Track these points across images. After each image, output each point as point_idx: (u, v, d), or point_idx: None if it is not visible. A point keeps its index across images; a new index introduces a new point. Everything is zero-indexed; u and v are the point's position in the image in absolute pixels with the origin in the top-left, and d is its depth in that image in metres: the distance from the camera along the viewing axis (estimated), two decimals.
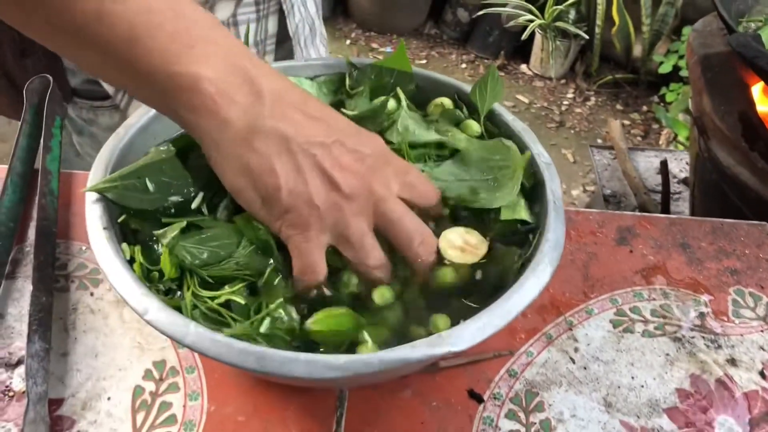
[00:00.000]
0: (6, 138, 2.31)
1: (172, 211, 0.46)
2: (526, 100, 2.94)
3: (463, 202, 0.49)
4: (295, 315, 0.43)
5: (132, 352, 0.53)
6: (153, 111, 0.51)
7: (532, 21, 2.81)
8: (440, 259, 0.46)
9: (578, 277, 0.62)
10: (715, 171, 0.95)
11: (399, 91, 0.56)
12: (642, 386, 0.54)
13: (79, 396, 0.50)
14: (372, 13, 3.30)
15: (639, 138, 2.76)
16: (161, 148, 0.48)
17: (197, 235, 0.44)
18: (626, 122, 2.85)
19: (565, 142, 2.71)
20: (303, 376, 0.37)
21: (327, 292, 0.45)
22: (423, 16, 3.39)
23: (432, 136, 0.53)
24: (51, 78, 0.68)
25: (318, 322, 0.42)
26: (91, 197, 0.44)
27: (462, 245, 0.46)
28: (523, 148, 0.52)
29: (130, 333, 0.54)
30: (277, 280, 0.45)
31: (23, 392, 0.49)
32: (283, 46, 0.83)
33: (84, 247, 0.60)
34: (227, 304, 0.43)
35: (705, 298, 0.62)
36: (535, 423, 0.51)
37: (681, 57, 2.71)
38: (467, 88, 0.57)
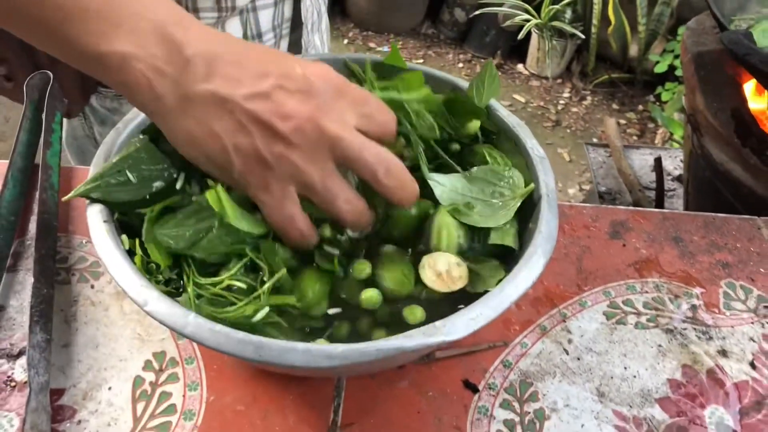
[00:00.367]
0: (5, 137, 2.31)
1: (158, 197, 0.47)
2: (523, 100, 2.95)
3: (455, 213, 0.49)
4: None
5: (132, 344, 0.54)
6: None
7: (528, 21, 2.82)
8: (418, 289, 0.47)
9: (572, 270, 0.63)
10: (708, 167, 0.96)
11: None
12: (634, 377, 0.55)
13: (80, 386, 0.51)
14: (370, 13, 3.31)
15: (635, 137, 2.77)
16: (134, 139, 0.49)
17: (173, 219, 0.45)
18: (622, 121, 2.86)
19: (561, 141, 2.72)
20: (301, 364, 0.38)
21: (328, 249, 0.47)
22: (420, 15, 3.40)
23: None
24: (51, 74, 0.68)
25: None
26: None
27: (443, 273, 0.46)
28: (519, 144, 0.53)
29: (130, 324, 0.55)
30: (272, 248, 0.45)
31: (25, 382, 0.50)
32: (295, 31, 0.84)
33: (84, 241, 0.61)
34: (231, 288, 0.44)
35: (697, 290, 0.63)
36: (530, 412, 0.52)
37: (677, 56, 2.72)
38: (464, 84, 0.57)
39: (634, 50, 2.86)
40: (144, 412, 0.49)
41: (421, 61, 3.18)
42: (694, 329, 0.59)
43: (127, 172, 0.46)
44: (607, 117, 2.58)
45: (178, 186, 0.48)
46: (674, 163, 1.37)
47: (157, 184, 0.47)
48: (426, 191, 0.49)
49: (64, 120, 0.85)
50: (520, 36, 2.87)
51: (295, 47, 0.83)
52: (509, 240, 0.48)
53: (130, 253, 0.43)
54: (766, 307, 0.62)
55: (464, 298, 0.45)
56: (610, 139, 1.42)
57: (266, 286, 0.43)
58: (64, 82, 0.75)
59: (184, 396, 0.50)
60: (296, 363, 0.38)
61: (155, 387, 0.51)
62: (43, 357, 0.50)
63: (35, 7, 0.40)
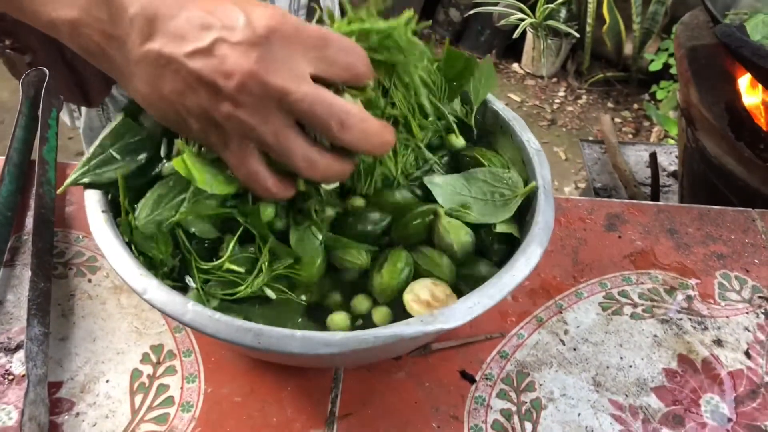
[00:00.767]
0: (1, 137, 2.31)
1: (148, 167, 0.47)
2: (518, 99, 2.95)
3: (452, 210, 0.49)
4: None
5: (130, 337, 0.54)
6: None
7: (523, 20, 2.82)
8: (403, 312, 0.45)
9: (568, 262, 0.64)
10: (702, 161, 0.96)
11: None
12: (630, 366, 0.55)
13: (77, 379, 0.51)
14: None
15: (630, 135, 2.78)
16: (112, 120, 0.49)
17: (151, 199, 0.45)
18: (617, 120, 2.87)
19: (557, 140, 2.73)
20: (299, 352, 0.38)
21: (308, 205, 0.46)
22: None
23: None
24: (47, 71, 0.68)
25: None
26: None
27: (429, 299, 0.45)
28: (515, 138, 0.54)
29: (127, 318, 0.55)
30: (256, 213, 0.45)
31: (23, 375, 0.50)
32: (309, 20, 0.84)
33: (81, 236, 0.61)
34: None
35: (692, 281, 0.63)
36: (526, 402, 0.52)
37: (671, 55, 2.73)
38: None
39: (628, 49, 2.87)
40: (142, 404, 0.49)
41: None
42: (690, 319, 0.60)
43: (111, 151, 0.46)
44: (603, 114, 2.59)
45: (163, 153, 0.48)
46: (669, 159, 1.38)
47: (142, 156, 0.47)
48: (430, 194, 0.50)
49: (83, 109, 0.85)
50: (515, 35, 2.88)
51: None
52: (513, 229, 0.48)
53: (129, 245, 0.43)
54: (760, 297, 0.62)
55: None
56: (606, 135, 1.43)
57: (261, 261, 0.44)
58: (87, 72, 0.76)
59: (181, 388, 0.51)
60: (295, 350, 0.38)
61: (153, 379, 0.51)
62: (40, 350, 0.50)
63: None
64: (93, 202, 0.44)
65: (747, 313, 0.61)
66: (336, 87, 0.41)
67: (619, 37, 2.81)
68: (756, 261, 0.65)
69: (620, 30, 2.77)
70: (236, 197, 0.45)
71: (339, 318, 0.46)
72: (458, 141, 0.54)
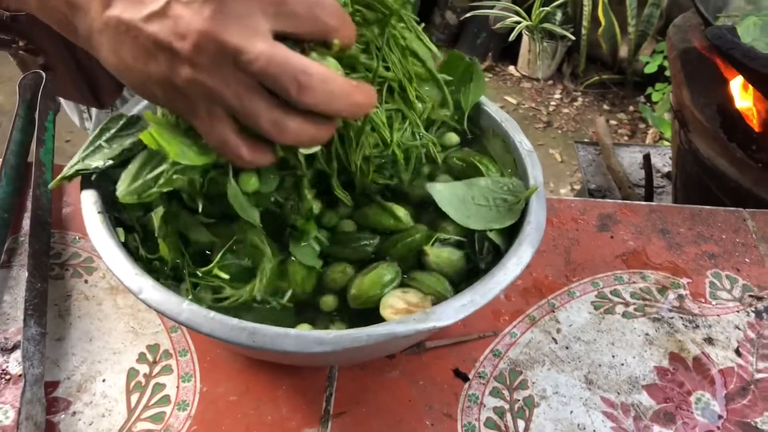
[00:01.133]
0: None
1: (139, 148, 0.46)
2: (514, 101, 2.96)
3: (459, 219, 0.49)
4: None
5: (126, 337, 0.54)
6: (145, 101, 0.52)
7: (519, 23, 2.83)
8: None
9: (560, 261, 0.64)
10: (695, 162, 0.97)
11: None
12: (622, 364, 0.56)
13: (74, 378, 0.51)
14: None
15: (626, 137, 2.79)
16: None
17: (130, 171, 0.44)
18: (613, 122, 2.88)
19: (552, 142, 2.74)
20: (293, 350, 0.39)
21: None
22: None
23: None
24: (44, 73, 0.69)
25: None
26: (85, 184, 0.46)
27: (406, 307, 0.45)
28: (507, 139, 0.54)
29: (123, 318, 0.55)
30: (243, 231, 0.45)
31: (20, 375, 0.50)
32: None
33: (78, 237, 0.62)
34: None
35: (683, 280, 0.64)
36: (519, 400, 0.53)
37: (666, 57, 2.74)
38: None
39: (624, 51, 2.88)
40: (138, 403, 0.50)
41: None
42: (681, 318, 0.60)
43: (101, 142, 0.46)
44: (597, 116, 2.60)
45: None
46: (663, 160, 1.38)
47: (129, 141, 0.46)
48: (422, 217, 0.51)
49: (92, 111, 0.86)
50: (511, 38, 2.88)
51: None
52: (501, 241, 0.48)
53: (125, 245, 0.44)
54: (751, 296, 0.63)
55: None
56: (600, 136, 1.44)
57: (255, 283, 0.44)
58: (98, 73, 0.76)
59: (177, 387, 0.51)
60: (289, 348, 0.38)
61: (149, 378, 0.51)
62: (37, 350, 0.50)
63: None
64: (89, 203, 0.45)
65: (737, 311, 0.61)
66: (303, 46, 0.38)
67: (615, 39, 2.82)
68: (747, 260, 0.66)
69: (615, 32, 2.78)
70: (218, 168, 0.43)
71: (330, 299, 0.47)
72: (453, 138, 0.55)
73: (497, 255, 0.47)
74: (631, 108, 2.96)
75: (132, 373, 0.52)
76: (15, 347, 0.53)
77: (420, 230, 0.49)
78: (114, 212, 0.46)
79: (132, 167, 0.44)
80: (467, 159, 0.54)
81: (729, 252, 0.67)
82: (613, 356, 0.56)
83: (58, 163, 0.66)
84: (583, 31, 2.81)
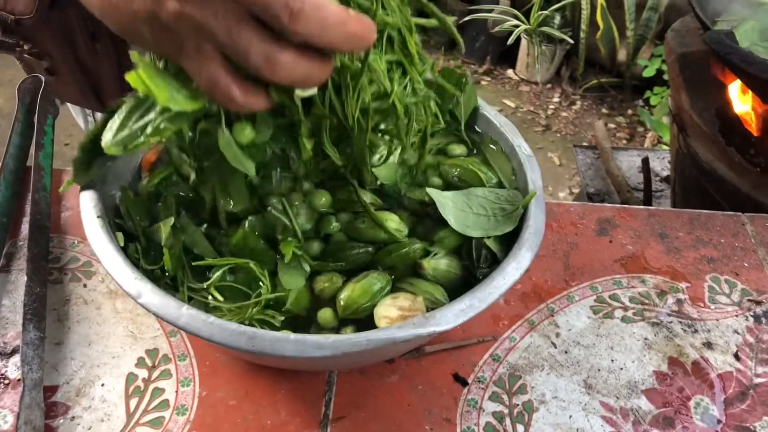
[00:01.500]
0: None
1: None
2: (513, 105, 2.97)
3: (463, 228, 0.49)
4: None
5: (125, 341, 0.54)
6: None
7: (517, 26, 2.84)
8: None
9: (559, 266, 0.64)
10: (694, 166, 0.97)
11: None
12: (621, 369, 0.56)
13: (73, 383, 0.51)
14: None
15: (624, 141, 2.79)
16: None
17: (117, 120, 0.41)
18: (612, 126, 2.88)
19: (551, 145, 2.74)
20: (292, 354, 0.39)
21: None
22: None
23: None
24: (43, 78, 0.69)
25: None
26: (84, 188, 0.46)
27: (400, 314, 0.45)
28: (506, 143, 0.55)
29: (122, 323, 0.55)
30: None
31: (18, 380, 0.50)
32: None
33: (77, 241, 0.62)
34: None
35: (682, 285, 0.64)
36: (518, 404, 0.53)
37: (665, 61, 2.74)
38: None
39: (622, 55, 2.89)
40: (137, 407, 0.50)
41: None
42: (680, 322, 0.60)
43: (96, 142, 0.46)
44: (596, 119, 2.60)
45: None
46: (662, 164, 1.38)
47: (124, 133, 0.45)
48: (416, 230, 0.51)
49: (97, 114, 0.86)
50: (510, 41, 2.89)
51: None
52: (498, 249, 0.48)
53: (124, 250, 0.44)
54: (750, 300, 0.63)
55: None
56: (599, 140, 1.44)
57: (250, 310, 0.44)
58: (103, 77, 0.76)
59: (176, 392, 0.51)
60: (288, 353, 0.38)
61: (148, 383, 0.51)
62: (36, 354, 0.50)
63: None
64: (89, 208, 0.45)
65: (736, 316, 0.61)
66: None
67: (613, 43, 2.83)
68: (745, 264, 0.66)
69: (614, 36, 2.78)
70: (208, 118, 0.41)
71: (328, 314, 0.46)
72: (458, 149, 0.56)
73: (495, 264, 0.47)
74: (630, 112, 2.96)
75: (131, 377, 0.52)
76: (14, 351, 0.52)
77: (415, 246, 0.49)
78: (114, 219, 0.46)
79: (118, 117, 0.40)
80: (465, 165, 0.54)
81: (728, 256, 0.67)
82: (612, 361, 0.56)
83: (57, 167, 0.66)
84: (582, 35, 2.82)
